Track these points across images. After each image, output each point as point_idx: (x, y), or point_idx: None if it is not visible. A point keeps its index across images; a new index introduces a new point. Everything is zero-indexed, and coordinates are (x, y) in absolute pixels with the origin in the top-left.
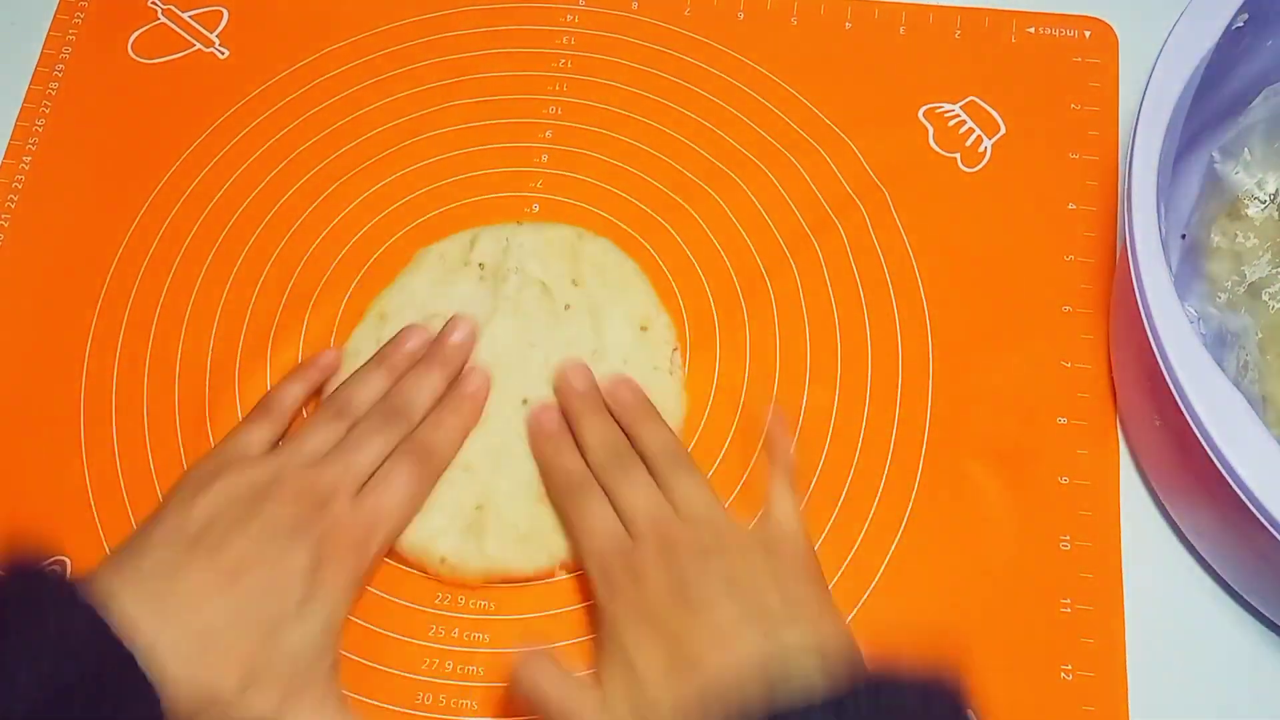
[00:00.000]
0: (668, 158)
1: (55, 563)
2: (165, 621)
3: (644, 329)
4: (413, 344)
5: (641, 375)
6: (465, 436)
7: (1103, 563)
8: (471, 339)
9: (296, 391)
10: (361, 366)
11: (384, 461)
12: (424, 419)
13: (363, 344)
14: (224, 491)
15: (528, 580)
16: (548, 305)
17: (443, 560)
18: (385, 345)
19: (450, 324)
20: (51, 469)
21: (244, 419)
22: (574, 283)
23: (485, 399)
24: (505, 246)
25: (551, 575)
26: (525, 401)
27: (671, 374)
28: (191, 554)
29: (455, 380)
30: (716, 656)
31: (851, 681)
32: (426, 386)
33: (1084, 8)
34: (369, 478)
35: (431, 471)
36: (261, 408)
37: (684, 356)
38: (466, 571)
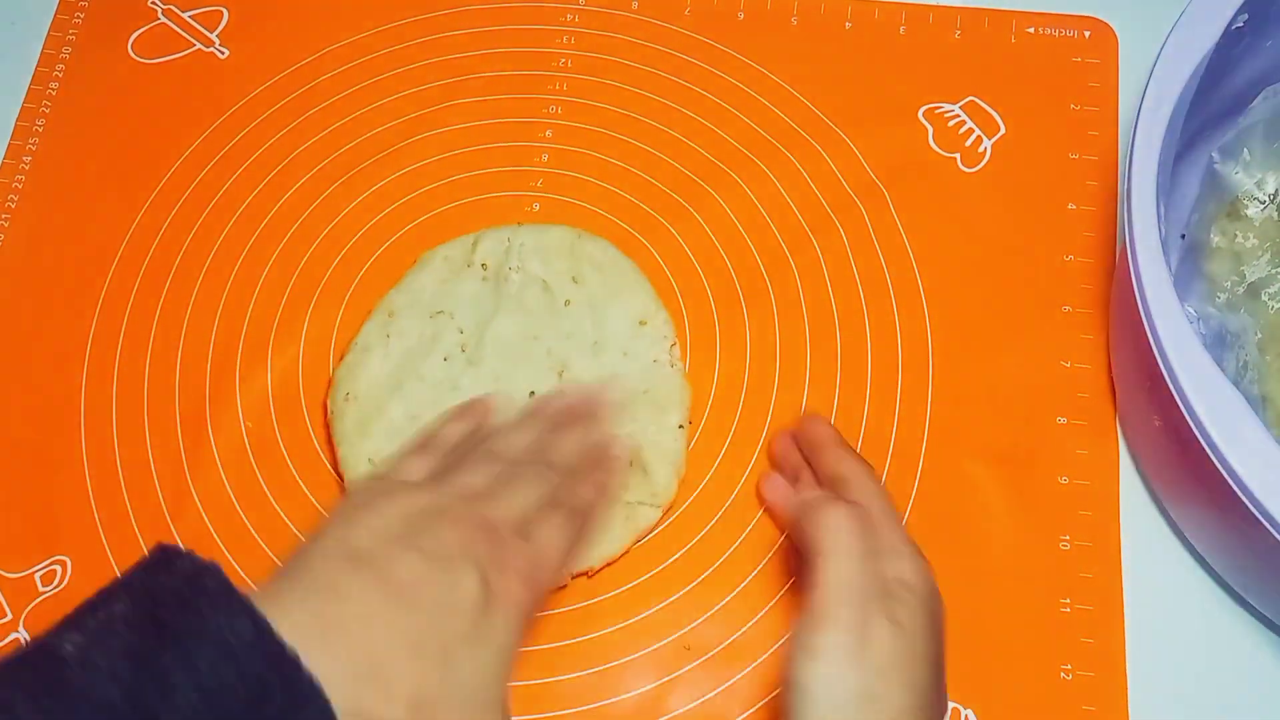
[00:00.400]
0: (668, 157)
1: (55, 563)
2: (327, 645)
3: (642, 324)
4: (568, 400)
5: (642, 367)
6: (609, 499)
7: (1103, 563)
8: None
9: (458, 430)
10: (512, 419)
11: (539, 512)
12: (574, 475)
13: (372, 340)
14: (387, 511)
15: None
16: (548, 302)
17: None
18: (535, 400)
19: (599, 386)
20: (51, 469)
21: (405, 451)
22: (574, 280)
23: (626, 465)
24: (507, 247)
25: (564, 584)
26: (532, 394)
27: (672, 366)
28: (356, 572)
29: (601, 442)
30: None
31: None
32: (576, 439)
33: (1084, 8)
34: (526, 522)
35: (582, 529)
36: (423, 442)
37: (684, 354)
38: None
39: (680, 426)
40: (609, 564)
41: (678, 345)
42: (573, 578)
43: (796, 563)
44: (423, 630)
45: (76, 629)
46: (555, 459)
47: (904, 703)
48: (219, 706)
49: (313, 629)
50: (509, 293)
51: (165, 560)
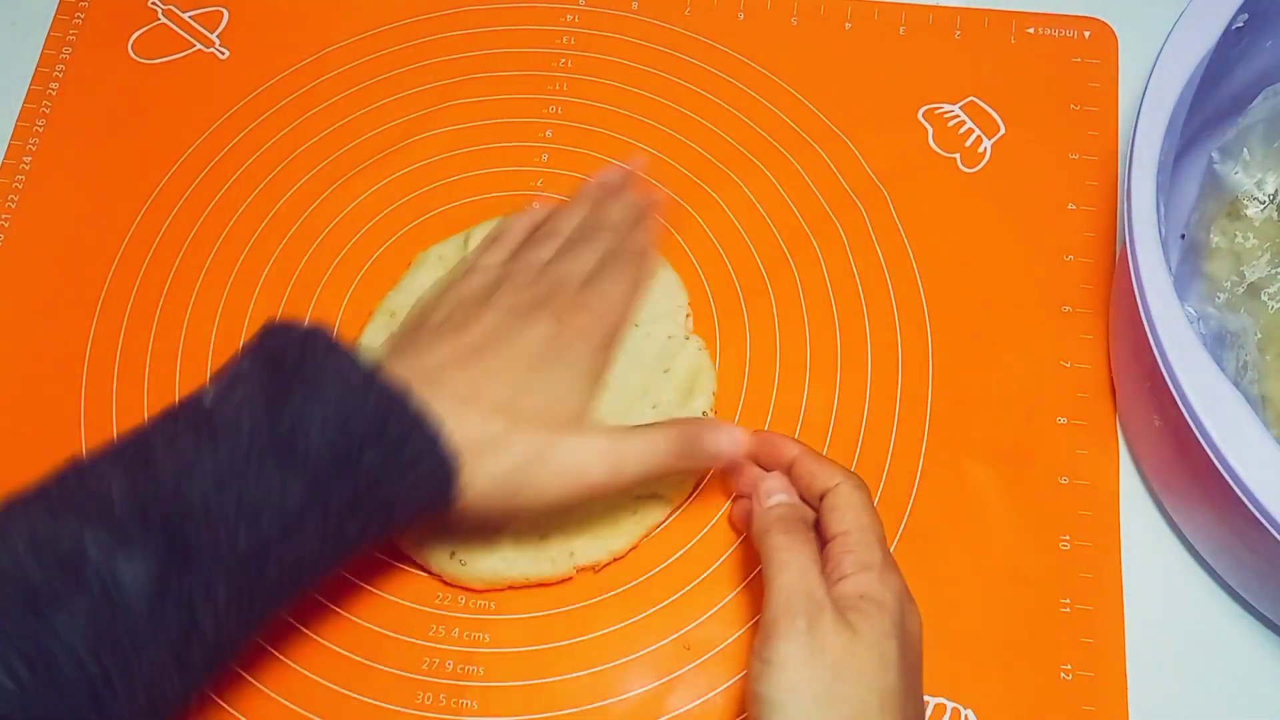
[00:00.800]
0: (667, 158)
1: None
2: (426, 385)
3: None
4: (608, 177)
5: (658, 345)
6: (654, 245)
7: (1103, 563)
8: (651, 170)
9: (523, 222)
10: (563, 203)
11: (600, 268)
12: (625, 230)
13: (375, 340)
14: (459, 292)
15: (543, 584)
16: None
17: (452, 555)
18: (581, 186)
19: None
20: (52, 469)
21: (479, 247)
22: None
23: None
24: None
25: (569, 579)
26: None
27: (688, 339)
28: (438, 337)
29: (640, 201)
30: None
31: None
32: (626, 203)
33: (1084, 8)
34: (590, 277)
35: (644, 273)
36: (494, 236)
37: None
38: (477, 572)
39: (705, 413)
40: (616, 559)
41: (692, 316)
42: (578, 571)
43: None
44: (502, 366)
45: (213, 383)
46: (608, 220)
47: (867, 703)
48: (347, 430)
49: (411, 376)
50: None
51: (277, 327)
